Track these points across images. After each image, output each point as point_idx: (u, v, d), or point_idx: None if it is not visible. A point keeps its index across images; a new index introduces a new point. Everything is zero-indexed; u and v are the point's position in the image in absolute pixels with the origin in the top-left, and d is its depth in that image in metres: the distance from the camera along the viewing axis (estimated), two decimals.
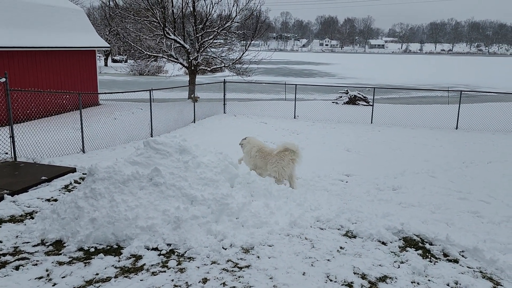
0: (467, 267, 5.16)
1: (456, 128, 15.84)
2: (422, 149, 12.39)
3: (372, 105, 18.55)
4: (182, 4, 21.39)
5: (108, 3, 46.52)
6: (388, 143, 13.25)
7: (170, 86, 22.70)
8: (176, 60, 22.44)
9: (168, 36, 20.72)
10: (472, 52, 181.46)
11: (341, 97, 24.26)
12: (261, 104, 21.77)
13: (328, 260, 5.21)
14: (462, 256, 5.42)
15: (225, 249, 5.37)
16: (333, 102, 24.01)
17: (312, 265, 5.07)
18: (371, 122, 16.98)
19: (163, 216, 5.68)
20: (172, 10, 21.34)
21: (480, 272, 5.05)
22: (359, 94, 23.72)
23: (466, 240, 5.74)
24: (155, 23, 20.69)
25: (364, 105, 22.73)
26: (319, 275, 4.83)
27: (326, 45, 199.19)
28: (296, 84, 19.48)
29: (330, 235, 5.95)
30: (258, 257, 5.22)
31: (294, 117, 17.90)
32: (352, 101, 23.38)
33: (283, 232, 5.94)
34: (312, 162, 10.39)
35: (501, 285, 4.77)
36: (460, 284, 4.74)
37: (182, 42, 21.33)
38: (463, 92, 17.76)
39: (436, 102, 25.58)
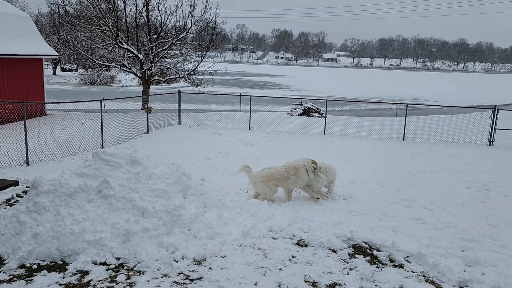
0: (412, 271, 5.39)
1: (403, 139, 16.57)
2: (372, 159, 12.85)
3: (325, 117, 19.05)
4: (136, 14, 21.07)
5: (57, 10, 44.94)
6: (339, 153, 13.63)
7: (123, 96, 22.17)
8: (129, 70, 21.99)
9: (121, 45, 20.31)
10: (418, 67, 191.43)
11: (295, 108, 24.74)
12: (217, 115, 21.75)
13: (280, 269, 5.26)
14: (407, 261, 5.65)
15: (177, 261, 5.29)
16: (287, 114, 24.41)
17: (264, 274, 5.09)
18: (324, 133, 17.40)
19: (112, 229, 5.51)
20: (126, 19, 20.96)
21: (423, 276, 5.29)
22: (312, 106, 24.29)
23: (410, 245, 6.00)
24: (107, 32, 20.22)
25: (318, 116, 23.29)
26: (270, 285, 4.86)
27: (281, 57, 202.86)
28: (251, 96, 19.66)
29: (282, 245, 6.01)
30: (211, 268, 5.18)
31: (249, 128, 18.02)
32: (306, 112, 23.90)
33: (236, 243, 5.94)
34: None
35: None
36: None
37: (135, 52, 20.97)
38: (409, 105, 18.66)
39: (384, 114, 26.67)
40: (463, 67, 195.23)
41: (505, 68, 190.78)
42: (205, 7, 21.55)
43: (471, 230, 6.88)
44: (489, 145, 15.87)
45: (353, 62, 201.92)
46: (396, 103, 25.02)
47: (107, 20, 19.55)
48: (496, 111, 16.05)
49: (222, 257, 5.50)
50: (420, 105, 29.43)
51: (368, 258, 5.72)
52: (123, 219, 5.62)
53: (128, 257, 5.26)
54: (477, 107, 22.85)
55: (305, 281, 4.98)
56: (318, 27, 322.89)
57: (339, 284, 4.96)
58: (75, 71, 54.01)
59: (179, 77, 22.83)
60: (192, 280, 4.89)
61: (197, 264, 5.28)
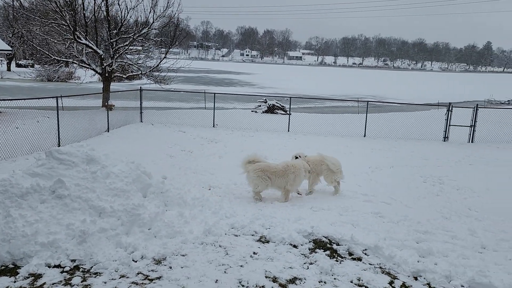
0: (369, 264, 5.54)
1: (364, 136, 16.98)
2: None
3: (289, 114, 19.22)
4: (95, 8, 20.43)
5: (12, 3, 42.96)
6: (303, 150, 13.70)
7: (82, 93, 21.49)
8: (88, 66, 21.32)
9: (79, 40, 19.65)
10: (379, 66, 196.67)
11: (260, 106, 24.83)
12: (180, 112, 21.47)
13: (241, 266, 5.27)
14: (365, 254, 5.80)
15: (136, 261, 5.19)
16: (252, 111, 24.46)
17: (225, 272, 5.09)
18: (288, 130, 17.56)
19: (67, 231, 5.34)
20: (84, 14, 20.29)
21: (380, 268, 5.45)
22: (277, 103, 24.46)
23: (369, 239, 6.16)
24: (64, 27, 19.50)
25: (282, 114, 23.48)
26: (231, 282, 4.86)
27: (247, 55, 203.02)
28: (215, 93, 19.56)
29: (244, 241, 6.02)
30: (171, 267, 5.12)
31: (214, 126, 17.92)
32: (271, 110, 24.03)
33: (197, 241, 5.89)
34: (229, 170, 10.46)
35: (397, 279, 5.19)
36: (362, 280, 5.07)
37: (95, 47, 20.34)
38: (370, 102, 19.13)
39: (347, 111, 27.22)
40: (422, 66, 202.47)
41: (460, 67, 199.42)
42: (168, 2, 21.21)
43: (426, 222, 7.15)
44: (444, 140, 16.53)
45: (317, 60, 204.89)
46: (358, 101, 25.59)
47: (64, 14, 18.84)
48: (450, 109, 16.73)
49: (183, 255, 5.45)
50: (381, 103, 30.27)
51: (328, 252, 5.83)
52: (79, 220, 5.45)
53: (84, 258, 5.11)
54: (433, 105, 23.78)
55: (266, 277, 5.01)
56: (283, 25, 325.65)
57: (299, 279, 5.03)
58: (31, 66, 51.79)
59: (141, 74, 22.36)
60: (151, 280, 4.81)
61: (157, 264, 5.20)
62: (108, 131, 15.48)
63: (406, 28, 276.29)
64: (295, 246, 5.95)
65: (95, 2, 20.35)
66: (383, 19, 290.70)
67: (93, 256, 5.14)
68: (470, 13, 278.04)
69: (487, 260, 5.76)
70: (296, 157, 9.11)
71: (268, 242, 6.07)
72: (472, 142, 16.34)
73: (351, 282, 5.03)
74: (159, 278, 4.86)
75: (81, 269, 4.96)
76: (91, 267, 5.00)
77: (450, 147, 15.36)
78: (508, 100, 40.46)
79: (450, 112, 16.62)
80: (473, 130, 16.42)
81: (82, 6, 20.19)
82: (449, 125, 16.54)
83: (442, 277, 5.17)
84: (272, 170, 8.03)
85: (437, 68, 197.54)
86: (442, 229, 6.91)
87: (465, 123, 16.77)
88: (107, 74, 21.30)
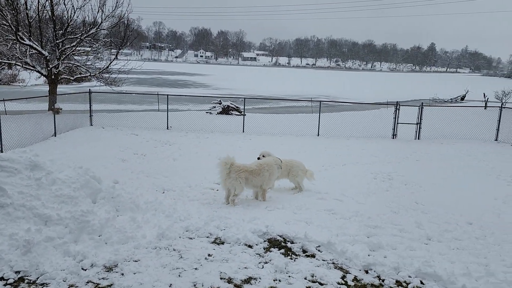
0: (322, 260, 5.66)
1: (318, 135, 17.35)
2: (288, 155, 13.17)
3: (244, 115, 19.28)
4: (38, 7, 19.49)
5: None
6: (258, 150, 13.73)
7: (27, 96, 20.43)
8: (33, 68, 20.32)
9: (22, 41, 18.69)
10: (332, 66, 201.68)
11: (214, 107, 24.72)
12: (133, 115, 20.96)
13: (196, 268, 5.22)
14: (319, 250, 5.93)
15: (85, 269, 5.01)
16: (207, 112, 24.31)
17: (179, 275, 5.02)
18: (243, 131, 17.61)
19: (10, 241, 5.06)
20: (27, 13, 19.30)
21: (333, 263, 5.59)
22: (232, 104, 24.45)
23: (322, 235, 6.30)
24: (5, 27, 18.46)
25: (237, 114, 23.50)
26: (186, 285, 4.81)
27: (201, 56, 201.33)
28: (168, 95, 19.26)
29: (198, 244, 5.97)
30: (123, 274, 4.99)
31: (167, 128, 17.64)
32: (226, 111, 23.99)
33: (151, 246, 5.78)
34: (184, 173, 10.36)
35: (349, 273, 5.34)
36: (315, 276, 5.18)
37: (39, 48, 19.43)
38: (323, 102, 19.59)
39: (301, 111, 27.70)
40: (371, 66, 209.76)
41: (407, 67, 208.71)
42: (117, 2, 20.65)
43: (376, 217, 7.41)
44: (393, 138, 17.23)
45: (271, 61, 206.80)
46: (311, 101, 26.11)
47: (4, 13, 17.84)
48: (398, 107, 17.47)
49: (136, 261, 5.32)
50: (333, 102, 31.07)
51: (282, 250, 5.90)
52: (23, 229, 5.18)
53: (30, 269, 4.86)
54: (382, 104, 24.72)
55: (221, 278, 5.00)
56: (237, 26, 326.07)
57: (254, 278, 5.05)
58: None
59: (90, 75, 21.60)
60: None
61: (108, 271, 5.04)
62: (55, 136, 14.83)
63: (356, 29, 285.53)
64: (250, 246, 5.97)
65: (38, 1, 19.44)
66: (334, 20, 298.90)
67: (39, 267, 4.90)
68: (415, 16, 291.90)
69: (432, 250, 6.07)
70: (263, 156, 9.09)
71: (223, 243, 6.05)
72: (418, 139, 17.15)
73: (305, 279, 5.12)
74: (110, 285, 4.72)
75: (26, 281, 4.71)
76: (37, 278, 4.76)
77: (399, 144, 16.03)
78: (451, 98, 42.84)
79: (398, 111, 17.35)
80: (419, 128, 17.24)
81: (25, 5, 19.22)
82: (397, 123, 17.26)
83: (391, 269, 5.38)
84: (249, 170, 8.08)
85: (386, 68, 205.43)
86: (391, 223, 7.19)
87: (411, 121, 17.56)
88: (53, 76, 20.41)
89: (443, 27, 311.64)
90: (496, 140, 16.87)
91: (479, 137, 16.99)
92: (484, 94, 35.14)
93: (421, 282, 5.16)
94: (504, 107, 17.84)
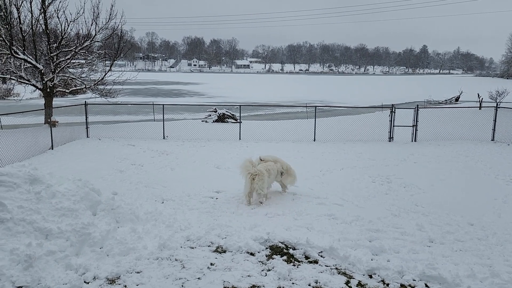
0: (325, 265, 5.65)
1: (314, 140, 17.38)
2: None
3: (240, 122, 19.29)
4: (32, 21, 19.49)
5: None
6: (255, 157, 13.85)
7: (22, 110, 20.36)
8: (28, 82, 20.27)
9: (17, 55, 18.66)
10: (325, 71, 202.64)
11: (210, 115, 24.75)
12: (129, 126, 20.93)
13: (199, 278, 5.19)
14: (321, 256, 5.91)
15: (88, 282, 4.97)
16: (202, 121, 24.32)
17: (182, 286, 4.99)
18: (240, 139, 17.60)
19: (11, 256, 5.01)
20: (20, 27, 19.30)
21: (336, 268, 5.57)
22: (227, 112, 24.49)
23: (323, 241, 6.28)
24: None
25: (233, 122, 23.52)
26: None
27: (195, 65, 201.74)
28: (163, 104, 19.25)
29: (200, 253, 5.94)
30: (125, 286, 4.95)
31: (164, 138, 17.61)
32: (221, 119, 24.01)
33: (152, 256, 5.74)
34: (182, 182, 10.32)
35: (353, 278, 5.33)
36: (319, 282, 5.16)
37: (34, 62, 19.39)
38: (318, 107, 19.64)
39: (297, 117, 27.78)
40: (364, 70, 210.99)
41: (400, 70, 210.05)
42: (110, 14, 20.69)
43: (377, 221, 7.41)
44: (389, 141, 17.28)
45: (265, 68, 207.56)
46: (306, 106, 26.18)
47: None
48: (393, 110, 17.54)
49: (138, 272, 5.28)
50: (328, 107, 31.18)
51: (285, 257, 5.88)
52: (23, 244, 5.13)
53: (32, 284, 4.81)
54: (378, 107, 24.81)
55: (225, 287, 4.97)
56: (229, 34, 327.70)
57: (258, 286, 5.03)
58: None
59: (85, 87, 21.57)
60: None
61: (111, 283, 5.00)
62: (52, 149, 14.77)
63: (348, 34, 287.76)
64: (252, 254, 5.95)
65: (32, 15, 19.45)
66: (326, 26, 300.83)
67: (41, 281, 4.85)
68: (406, 19, 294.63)
69: (435, 253, 6.07)
70: (261, 160, 9.41)
71: (225, 252, 6.03)
72: (415, 141, 17.21)
73: (309, 285, 5.10)
74: None
75: None
76: None
77: (395, 146, 16.07)
78: (445, 100, 43.10)
79: (393, 114, 17.42)
80: (415, 130, 17.31)
81: (18, 19, 19.21)
82: (393, 126, 17.31)
83: (395, 273, 5.37)
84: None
85: (379, 71, 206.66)
86: (393, 226, 7.19)
87: (407, 124, 17.63)
88: (48, 90, 20.35)
89: (435, 29, 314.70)
90: (492, 140, 16.96)
91: (476, 138, 17.08)
92: (478, 94, 35.37)
93: (426, 285, 5.15)
94: (499, 107, 17.96)
